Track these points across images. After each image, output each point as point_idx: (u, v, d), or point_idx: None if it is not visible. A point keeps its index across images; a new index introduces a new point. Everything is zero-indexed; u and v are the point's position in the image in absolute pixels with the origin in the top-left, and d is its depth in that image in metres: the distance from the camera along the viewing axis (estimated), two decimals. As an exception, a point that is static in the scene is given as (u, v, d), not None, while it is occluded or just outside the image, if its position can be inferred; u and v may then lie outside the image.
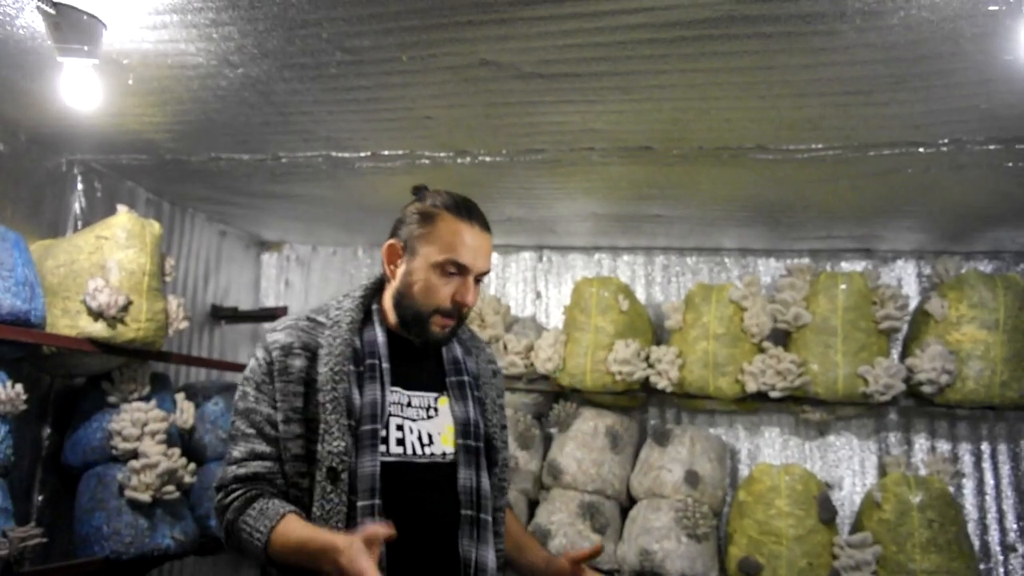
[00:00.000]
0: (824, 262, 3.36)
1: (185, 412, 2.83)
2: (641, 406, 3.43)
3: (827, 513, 2.84)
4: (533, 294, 3.73)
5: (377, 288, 1.61)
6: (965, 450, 3.12)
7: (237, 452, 1.47)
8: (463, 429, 1.55)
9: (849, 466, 3.24)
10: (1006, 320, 2.77)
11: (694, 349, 3.05)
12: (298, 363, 1.47)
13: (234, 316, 3.61)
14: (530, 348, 3.28)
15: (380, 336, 1.53)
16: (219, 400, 3.06)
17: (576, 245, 3.65)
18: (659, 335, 3.38)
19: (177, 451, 2.66)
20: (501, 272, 3.76)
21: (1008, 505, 3.06)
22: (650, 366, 3.12)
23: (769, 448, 3.33)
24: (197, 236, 3.50)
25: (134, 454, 2.57)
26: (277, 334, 1.51)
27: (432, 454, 1.51)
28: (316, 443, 1.43)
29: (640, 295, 3.51)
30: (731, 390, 3.00)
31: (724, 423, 3.38)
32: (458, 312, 1.52)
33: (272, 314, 3.64)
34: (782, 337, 3.08)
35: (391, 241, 1.56)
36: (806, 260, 3.35)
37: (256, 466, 1.45)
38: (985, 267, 3.14)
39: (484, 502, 1.51)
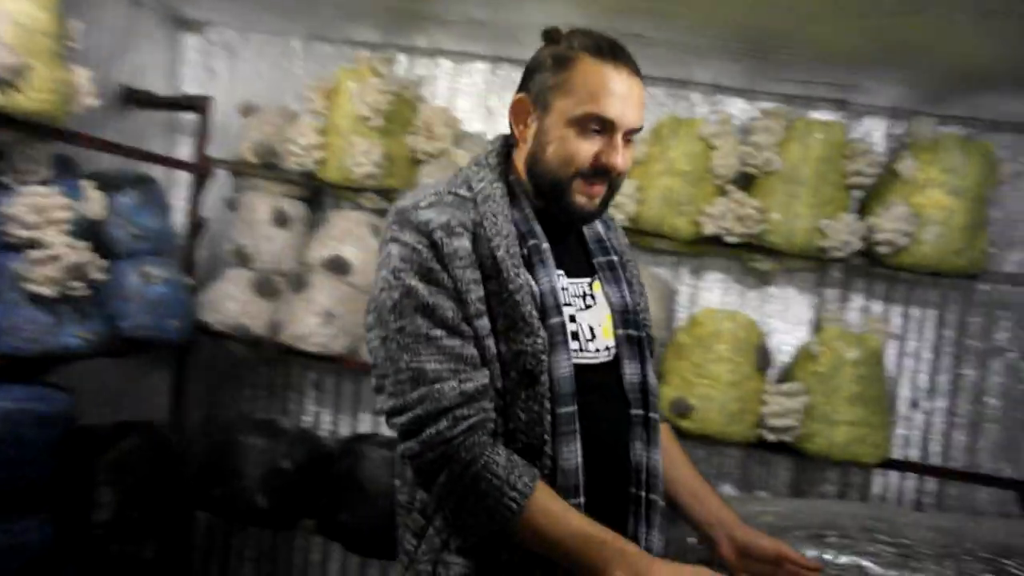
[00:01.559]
0: (795, 109, 3.19)
1: (94, 201, 2.52)
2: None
3: (764, 362, 2.85)
4: (484, 110, 3.44)
5: (506, 153, 1.37)
6: (896, 312, 3.15)
7: (437, 363, 1.20)
8: (622, 318, 1.37)
9: (784, 318, 3.24)
10: (972, 188, 2.71)
11: (656, 184, 2.89)
12: (466, 244, 1.24)
13: (149, 101, 3.20)
14: (480, 168, 3.05)
15: (529, 210, 1.31)
16: (132, 193, 2.75)
17: (537, 60, 3.34)
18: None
19: (85, 244, 2.39)
20: (452, 82, 3.44)
21: (923, 366, 3.15)
22: (606, 200, 2.97)
23: (709, 293, 3.28)
24: (104, 3, 3.01)
25: (32, 244, 2.29)
26: (425, 212, 1.25)
27: (598, 350, 1.33)
28: (502, 341, 1.23)
29: (599, 124, 3.26)
30: (687, 231, 2.89)
31: (668, 263, 3.30)
32: (607, 176, 1.28)
33: (194, 104, 3.25)
34: (745, 182, 2.95)
35: (519, 96, 1.32)
36: (777, 105, 3.18)
37: (481, 378, 1.22)
38: (958, 132, 3.04)
39: (652, 399, 1.34)
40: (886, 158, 2.99)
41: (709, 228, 2.85)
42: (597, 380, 1.31)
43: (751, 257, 3.04)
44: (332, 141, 3.00)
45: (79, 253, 2.34)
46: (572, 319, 1.30)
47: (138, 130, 3.21)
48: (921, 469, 3.03)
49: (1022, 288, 2.97)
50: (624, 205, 2.90)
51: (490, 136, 3.39)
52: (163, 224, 2.88)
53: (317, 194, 3.31)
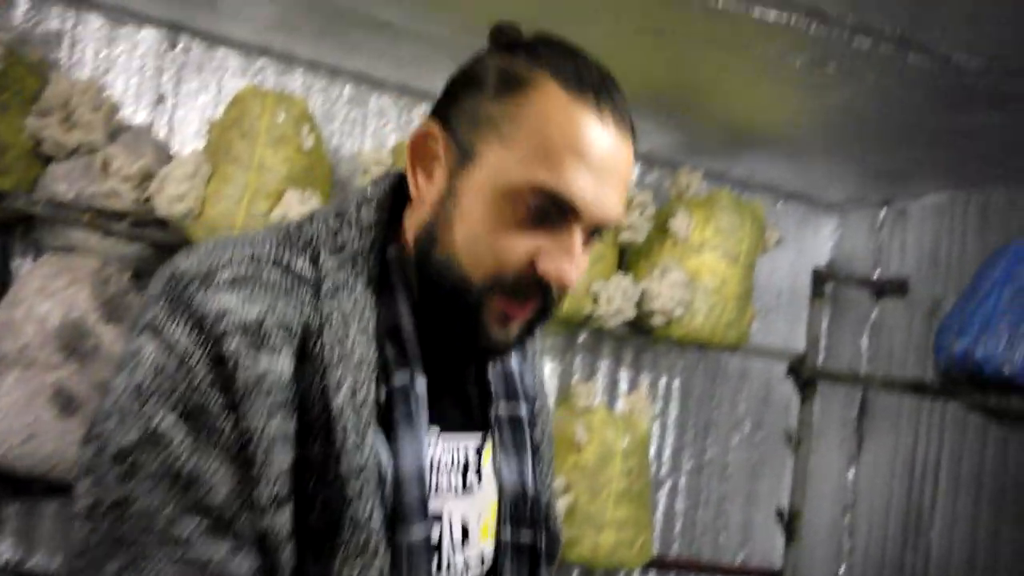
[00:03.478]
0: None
1: None
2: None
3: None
4: (154, 95, 2.47)
5: (392, 206, 0.85)
6: (644, 381, 2.84)
7: None
8: (513, 511, 0.89)
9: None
10: (746, 253, 2.46)
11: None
12: (284, 366, 0.74)
13: None
14: (147, 175, 2.10)
15: (406, 318, 0.81)
16: None
17: (234, 37, 2.46)
18: (338, 193, 2.45)
19: None
20: (106, 54, 2.42)
21: (668, 440, 2.87)
22: (330, 235, 2.21)
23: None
24: None
25: None
26: (224, 294, 0.73)
27: (467, 565, 0.86)
28: (311, 557, 0.73)
29: (316, 133, 2.50)
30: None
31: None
32: (544, 294, 0.78)
33: None
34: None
35: (428, 125, 0.81)
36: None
37: None
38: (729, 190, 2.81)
39: None
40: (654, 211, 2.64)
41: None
42: None
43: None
44: None
45: None
46: (438, 517, 0.83)
47: None
48: (686, 566, 2.71)
49: (766, 359, 2.82)
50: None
51: (161, 133, 2.44)
52: None
53: None
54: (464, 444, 0.86)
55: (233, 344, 0.71)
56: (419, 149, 0.81)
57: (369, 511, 0.73)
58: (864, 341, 2.74)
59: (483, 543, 0.87)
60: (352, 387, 0.75)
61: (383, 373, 0.78)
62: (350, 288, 0.78)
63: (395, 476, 0.76)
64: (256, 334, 0.73)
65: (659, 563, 2.62)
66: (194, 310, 0.72)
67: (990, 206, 2.29)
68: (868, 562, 2.59)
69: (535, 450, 0.94)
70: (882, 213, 2.76)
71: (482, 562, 0.87)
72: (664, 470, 2.85)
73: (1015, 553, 2.03)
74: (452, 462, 0.85)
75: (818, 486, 2.79)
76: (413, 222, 0.82)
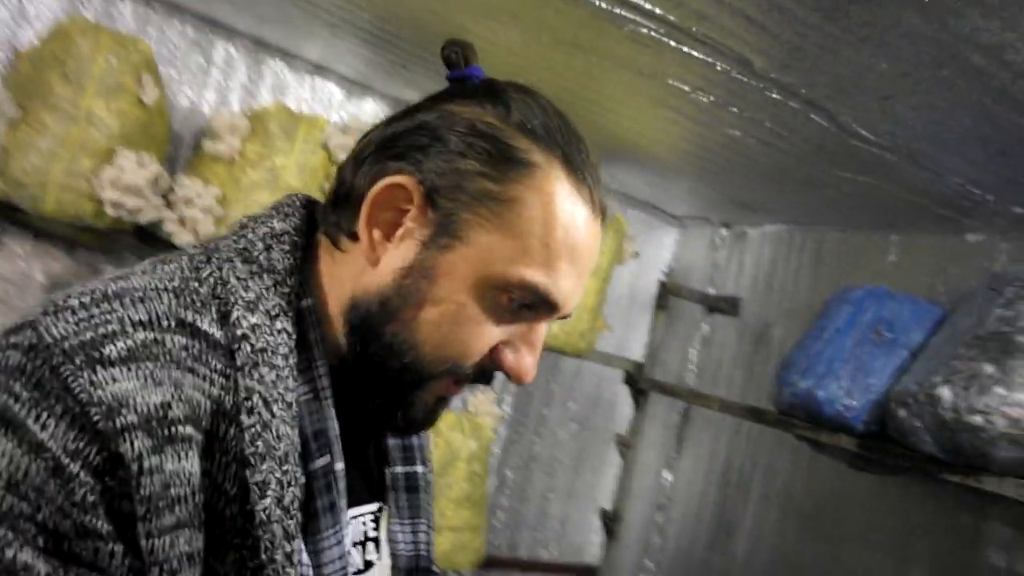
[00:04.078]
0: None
1: None
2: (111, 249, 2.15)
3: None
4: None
5: (306, 244, 0.73)
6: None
7: None
8: None
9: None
10: (606, 267, 2.46)
11: (250, 198, 1.95)
12: (191, 467, 0.59)
13: None
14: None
15: (327, 391, 0.69)
16: None
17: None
18: (174, 156, 2.12)
19: None
20: None
21: (500, 435, 2.86)
22: (168, 205, 1.91)
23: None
24: None
25: None
26: (119, 376, 0.56)
27: None
28: None
29: (150, 77, 2.14)
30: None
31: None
32: (488, 380, 0.72)
33: None
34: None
35: (403, 179, 0.68)
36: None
37: None
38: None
39: None
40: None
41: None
42: None
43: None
44: None
45: None
46: None
47: None
48: (508, 563, 2.71)
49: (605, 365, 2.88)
50: (196, 222, 1.90)
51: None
52: None
53: None
54: (364, 514, 0.79)
55: (135, 443, 0.56)
56: (383, 201, 0.69)
57: None
58: (693, 353, 2.88)
59: None
60: (279, 488, 0.62)
61: (303, 456, 0.67)
62: (272, 356, 0.65)
63: (313, 570, 0.67)
64: (162, 427, 0.57)
65: (485, 561, 2.62)
66: (76, 397, 0.55)
67: (824, 244, 2.46)
68: (676, 561, 2.75)
69: (426, 509, 0.87)
70: (723, 232, 2.89)
71: None
72: (493, 464, 2.85)
73: (815, 569, 2.24)
74: (356, 535, 0.77)
75: (635, 483, 2.92)
76: (354, 283, 0.70)
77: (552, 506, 2.92)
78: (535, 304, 0.69)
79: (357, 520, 0.78)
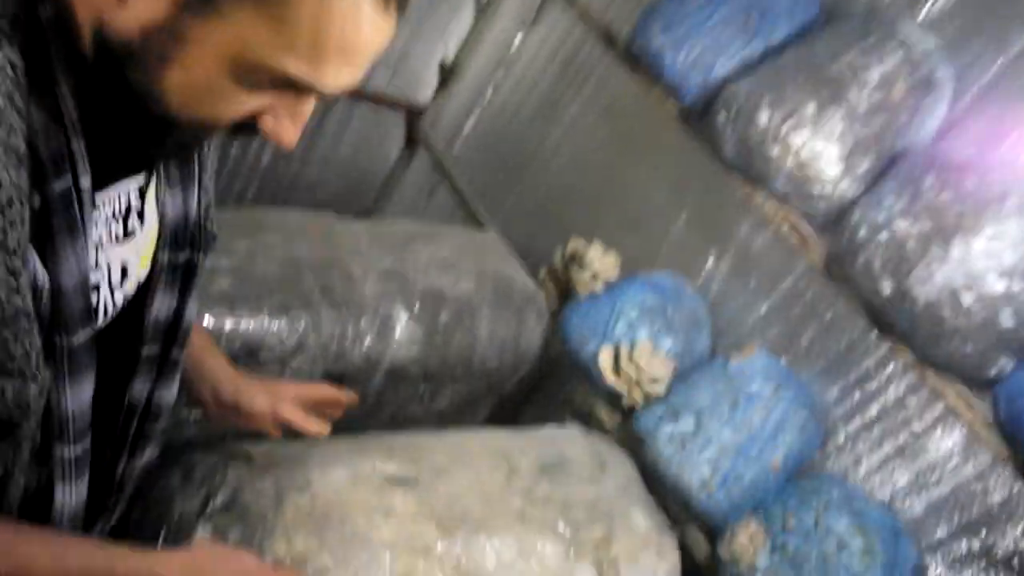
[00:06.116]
0: None
1: None
2: None
3: None
4: None
5: None
6: None
7: None
8: (172, 237, 0.87)
9: None
10: None
11: None
12: None
13: None
14: None
15: (69, 103, 0.66)
16: None
17: None
18: None
19: None
20: None
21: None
22: None
23: None
24: None
25: None
26: None
27: (126, 296, 0.84)
28: None
29: None
30: None
31: None
32: (251, 136, 0.84)
33: None
34: None
35: None
36: None
37: None
38: None
39: (181, 336, 0.93)
40: None
41: None
42: (113, 327, 0.85)
43: None
44: None
45: None
46: (96, 264, 0.78)
47: None
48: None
49: None
50: None
51: None
52: None
53: None
54: (126, 189, 0.80)
55: None
56: None
57: (19, 340, 0.65)
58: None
59: (140, 271, 0.86)
60: (2, 235, 0.61)
61: (38, 174, 0.65)
62: None
63: (53, 293, 0.69)
64: None
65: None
66: None
67: None
68: (496, 123, 2.90)
69: (199, 177, 0.89)
70: None
71: (137, 286, 0.87)
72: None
73: (604, 175, 2.48)
74: (113, 213, 0.79)
75: (485, 36, 2.87)
76: (104, 6, 0.63)
77: (395, 39, 2.84)
78: (298, 88, 0.66)
79: (117, 195, 0.78)
